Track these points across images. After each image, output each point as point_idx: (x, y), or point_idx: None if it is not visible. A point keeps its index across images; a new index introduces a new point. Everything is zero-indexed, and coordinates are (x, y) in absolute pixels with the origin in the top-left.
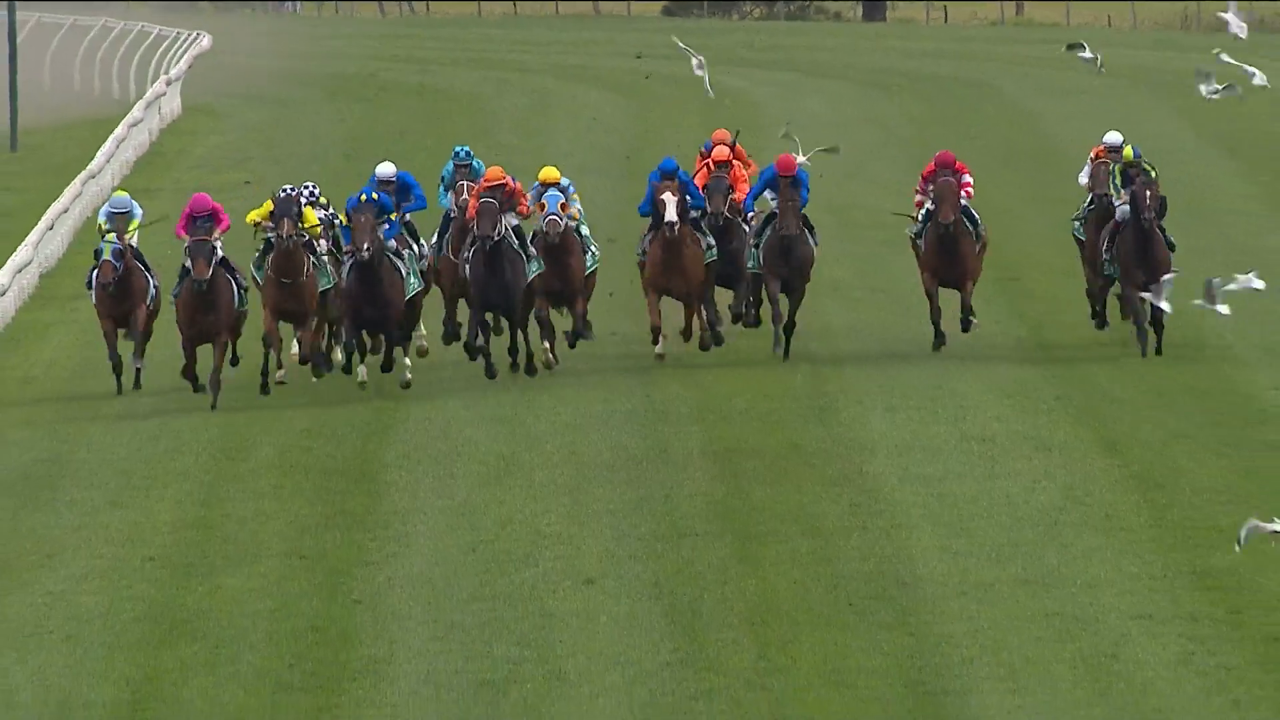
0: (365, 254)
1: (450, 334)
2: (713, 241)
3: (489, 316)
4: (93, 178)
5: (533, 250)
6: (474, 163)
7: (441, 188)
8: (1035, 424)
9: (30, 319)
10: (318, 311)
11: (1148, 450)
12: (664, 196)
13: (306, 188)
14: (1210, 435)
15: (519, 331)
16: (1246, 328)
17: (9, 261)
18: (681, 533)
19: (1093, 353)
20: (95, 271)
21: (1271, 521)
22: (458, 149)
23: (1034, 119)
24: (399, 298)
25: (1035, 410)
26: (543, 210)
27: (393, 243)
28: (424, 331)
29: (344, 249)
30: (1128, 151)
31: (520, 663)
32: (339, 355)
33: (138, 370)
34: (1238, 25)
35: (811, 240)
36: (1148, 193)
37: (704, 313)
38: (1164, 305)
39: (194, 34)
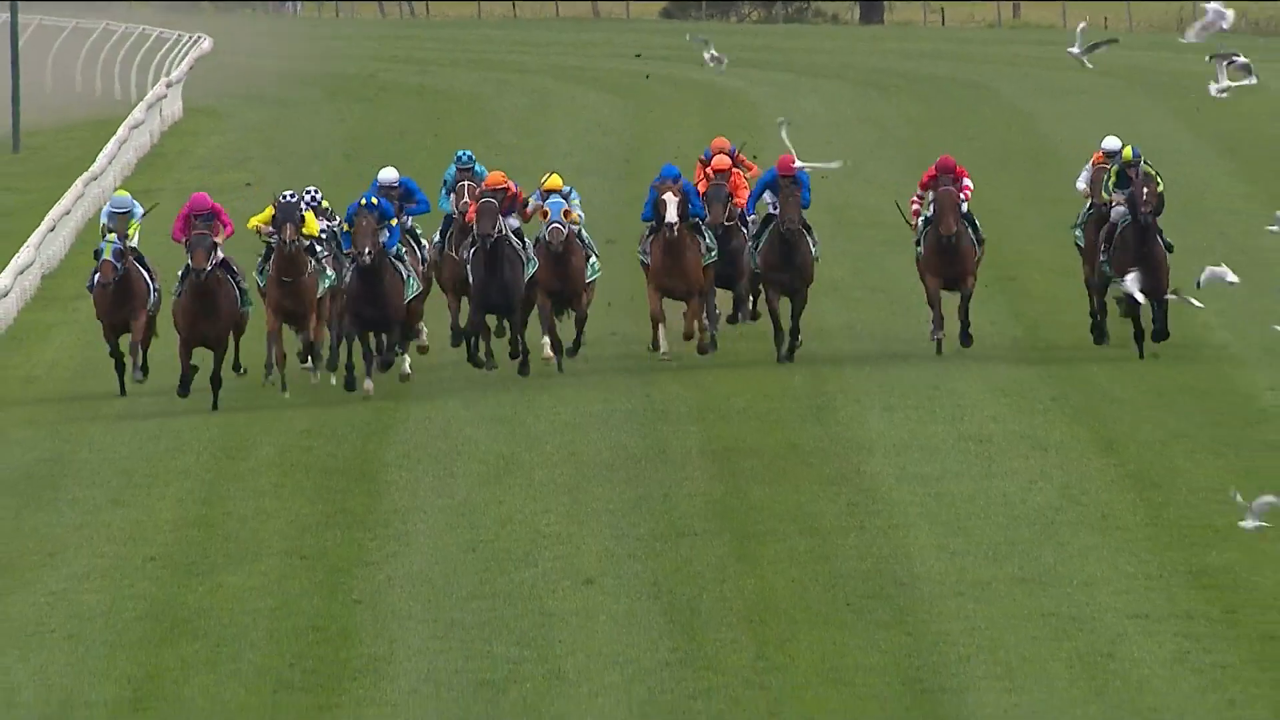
0: (367, 258)
1: (458, 338)
2: (713, 244)
3: (489, 320)
4: (94, 179)
5: (531, 253)
6: (476, 167)
7: (443, 191)
8: (1032, 423)
9: (32, 319)
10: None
11: (1145, 450)
12: (665, 197)
13: (309, 192)
14: (1208, 435)
15: (519, 333)
16: (1246, 328)
17: (11, 262)
18: (680, 532)
19: (1090, 352)
20: (95, 272)
21: None
22: (460, 153)
23: (1030, 119)
24: (399, 298)
25: (1032, 410)
26: (545, 218)
27: (395, 248)
28: (425, 328)
29: (345, 253)
30: (1127, 152)
31: (520, 661)
32: (333, 379)
33: (139, 369)
34: (1216, 12)
35: (811, 240)
36: (1145, 190)
37: (704, 314)
38: (1138, 296)
39: (195, 36)
